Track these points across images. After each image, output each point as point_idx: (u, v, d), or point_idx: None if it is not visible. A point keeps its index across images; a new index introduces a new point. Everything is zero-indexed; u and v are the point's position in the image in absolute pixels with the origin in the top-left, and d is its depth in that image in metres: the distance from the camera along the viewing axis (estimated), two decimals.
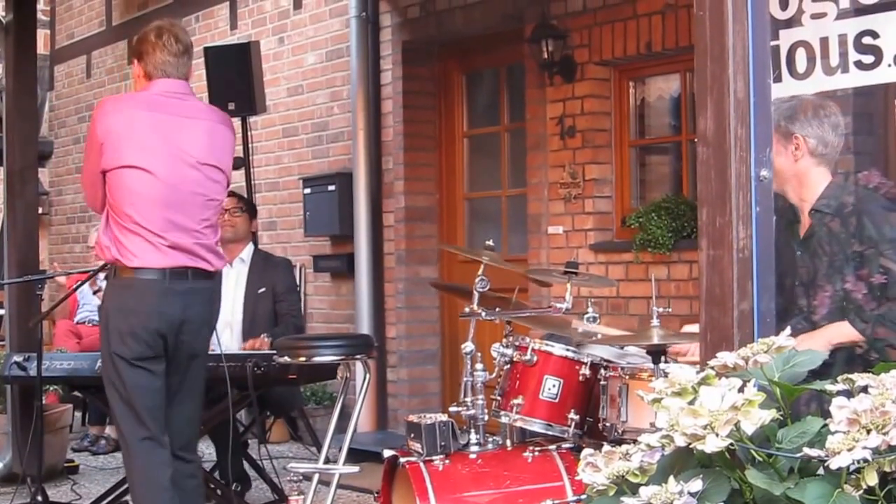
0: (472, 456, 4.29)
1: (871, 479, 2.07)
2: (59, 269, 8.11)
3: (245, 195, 7.98)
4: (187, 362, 4.58)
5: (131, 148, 4.42)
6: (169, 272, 4.45)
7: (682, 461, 2.24)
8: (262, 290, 6.31)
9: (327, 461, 5.55)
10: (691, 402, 2.22)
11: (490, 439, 4.40)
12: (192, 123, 4.55)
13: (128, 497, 5.86)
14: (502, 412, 4.40)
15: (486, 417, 4.38)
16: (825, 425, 2.17)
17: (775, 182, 3.69)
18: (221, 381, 5.47)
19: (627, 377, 4.15)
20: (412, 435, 4.26)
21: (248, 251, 6.40)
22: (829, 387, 2.32)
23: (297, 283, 8.18)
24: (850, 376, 2.30)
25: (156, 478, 4.41)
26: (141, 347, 4.43)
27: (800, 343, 3.45)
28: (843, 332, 3.55)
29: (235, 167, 6.67)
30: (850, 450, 2.04)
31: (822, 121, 3.75)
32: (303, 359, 5.22)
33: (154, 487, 4.41)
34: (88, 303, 8.73)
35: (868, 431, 2.06)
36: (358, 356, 5.46)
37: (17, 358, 6.00)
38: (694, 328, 4.19)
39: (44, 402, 6.42)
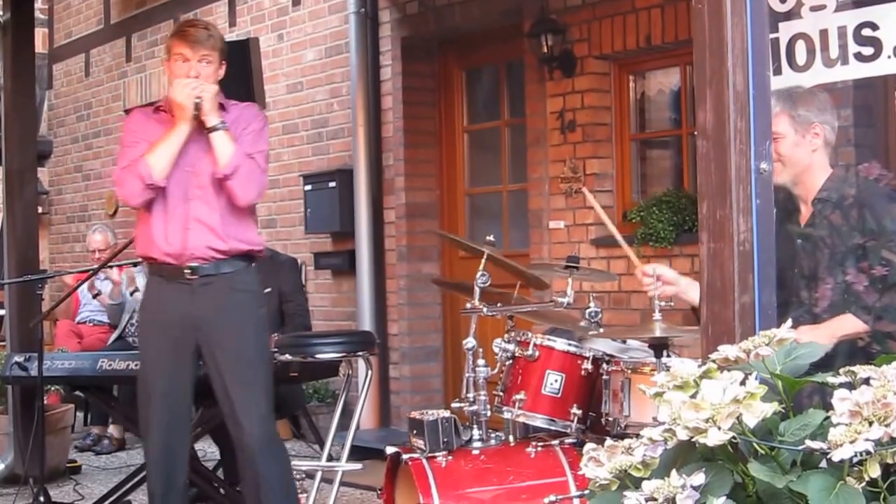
0: (475, 452, 4.29)
1: (874, 471, 2.06)
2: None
3: None
4: None
5: None
6: None
7: (685, 455, 2.23)
8: (268, 289, 6.28)
9: (330, 459, 5.56)
10: (693, 396, 2.21)
11: (493, 435, 4.40)
12: None
13: (130, 496, 5.87)
14: (505, 408, 4.39)
15: (489, 413, 4.37)
16: (827, 418, 2.16)
17: (786, 174, 3.69)
18: None
19: (630, 371, 4.14)
20: (415, 431, 4.25)
21: None
22: (830, 379, 2.31)
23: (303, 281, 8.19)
24: (852, 368, 2.30)
25: None
26: None
27: (803, 336, 3.45)
28: (847, 324, 3.54)
29: None
30: (852, 442, 2.03)
31: (833, 109, 3.75)
32: (304, 356, 5.22)
33: None
34: (90, 302, 8.73)
35: (870, 423, 2.06)
36: (360, 353, 5.47)
37: (18, 358, 5.99)
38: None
39: (45, 402, 6.41)
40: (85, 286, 8.02)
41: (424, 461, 4.14)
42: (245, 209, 4.47)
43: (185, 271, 4.38)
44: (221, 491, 5.81)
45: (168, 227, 4.39)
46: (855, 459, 2.07)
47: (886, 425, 2.04)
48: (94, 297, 8.53)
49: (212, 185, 4.39)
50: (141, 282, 7.94)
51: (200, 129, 4.38)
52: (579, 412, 4.32)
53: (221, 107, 4.44)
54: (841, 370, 2.33)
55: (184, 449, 4.58)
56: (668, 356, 4.10)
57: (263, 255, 4.70)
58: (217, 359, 4.40)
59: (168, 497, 4.46)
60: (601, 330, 4.60)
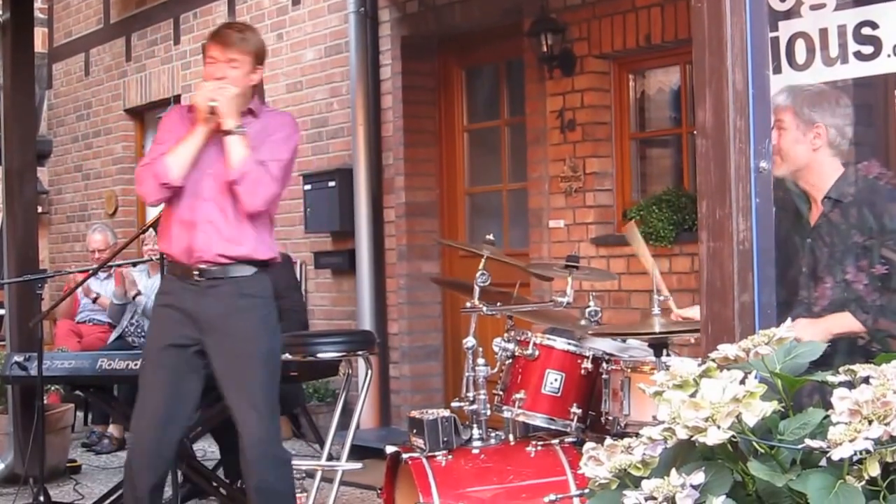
0: (475, 451, 4.29)
1: (873, 470, 2.06)
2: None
3: None
4: None
5: None
6: None
7: (685, 454, 2.23)
8: None
9: (330, 458, 5.56)
10: (693, 395, 2.22)
11: (493, 434, 4.40)
12: None
13: None
14: (504, 407, 4.39)
15: (489, 412, 4.37)
16: (827, 416, 2.17)
17: (784, 169, 3.70)
18: None
19: (629, 370, 4.14)
20: (415, 431, 4.25)
21: None
22: (830, 378, 2.31)
23: (298, 278, 8.17)
24: (852, 367, 2.30)
25: None
26: None
27: (799, 330, 3.45)
28: (844, 322, 3.54)
29: None
30: (851, 441, 2.03)
31: (844, 111, 3.74)
32: (304, 355, 5.21)
33: None
34: (90, 302, 8.73)
35: (870, 422, 2.06)
36: (360, 352, 5.47)
37: (18, 358, 5.99)
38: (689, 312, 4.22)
39: (45, 401, 6.41)
40: (80, 290, 8.00)
41: (424, 460, 4.14)
42: (260, 215, 4.38)
43: (194, 273, 4.34)
44: (222, 490, 5.81)
45: (180, 226, 4.35)
46: (854, 458, 2.07)
47: (886, 424, 2.04)
48: (94, 300, 8.53)
49: (227, 188, 4.34)
50: (142, 283, 7.93)
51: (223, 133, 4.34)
52: (579, 411, 4.32)
53: (251, 112, 4.39)
54: (840, 369, 2.33)
55: (173, 448, 4.46)
56: (668, 355, 4.10)
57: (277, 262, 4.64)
58: (219, 362, 4.34)
59: (140, 497, 4.34)
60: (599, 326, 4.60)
